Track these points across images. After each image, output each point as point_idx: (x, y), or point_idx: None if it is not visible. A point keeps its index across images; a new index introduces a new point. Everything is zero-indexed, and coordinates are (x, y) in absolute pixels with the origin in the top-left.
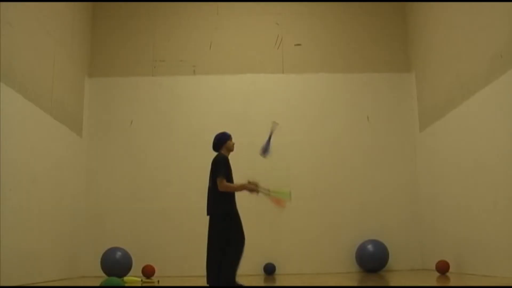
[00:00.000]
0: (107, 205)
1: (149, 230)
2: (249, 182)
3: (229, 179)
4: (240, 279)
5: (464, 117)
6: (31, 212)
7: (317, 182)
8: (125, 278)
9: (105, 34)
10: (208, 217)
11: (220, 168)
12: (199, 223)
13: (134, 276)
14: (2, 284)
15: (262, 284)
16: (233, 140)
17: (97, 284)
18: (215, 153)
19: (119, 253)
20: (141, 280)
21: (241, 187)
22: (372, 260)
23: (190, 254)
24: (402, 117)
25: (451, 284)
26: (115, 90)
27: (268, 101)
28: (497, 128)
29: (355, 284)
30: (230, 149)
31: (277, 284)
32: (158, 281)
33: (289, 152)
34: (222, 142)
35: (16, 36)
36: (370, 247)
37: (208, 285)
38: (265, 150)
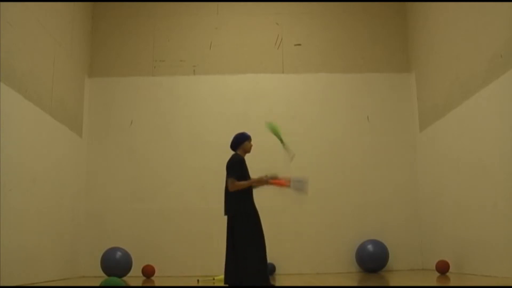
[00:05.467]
0: (107, 205)
1: (149, 230)
2: (266, 176)
3: (244, 179)
4: None
5: (464, 117)
6: (31, 212)
7: (317, 182)
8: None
9: (105, 34)
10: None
11: (232, 169)
12: (199, 223)
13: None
14: (2, 284)
15: None
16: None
17: (97, 284)
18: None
19: (119, 253)
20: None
21: (250, 183)
22: (372, 260)
23: (190, 254)
24: (402, 117)
25: (451, 284)
26: (115, 90)
27: (268, 101)
28: (497, 128)
29: (355, 284)
30: (247, 151)
31: (277, 284)
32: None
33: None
34: (239, 142)
35: (16, 36)
36: (370, 247)
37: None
38: (299, 188)
